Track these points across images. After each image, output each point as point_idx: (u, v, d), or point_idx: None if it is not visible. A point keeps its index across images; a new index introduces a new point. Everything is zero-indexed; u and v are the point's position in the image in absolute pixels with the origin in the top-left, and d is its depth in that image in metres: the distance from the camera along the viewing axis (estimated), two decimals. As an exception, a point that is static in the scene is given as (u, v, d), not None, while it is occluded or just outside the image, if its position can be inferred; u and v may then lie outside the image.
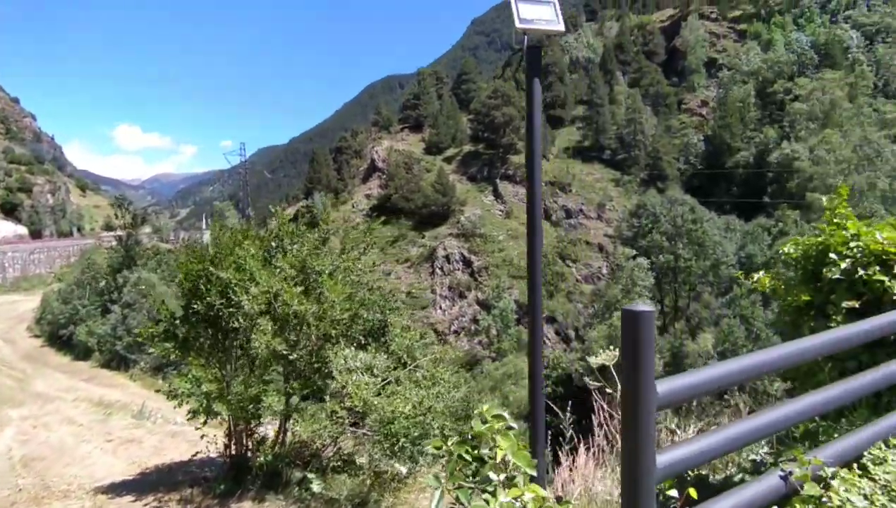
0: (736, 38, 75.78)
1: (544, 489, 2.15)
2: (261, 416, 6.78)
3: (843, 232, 3.83)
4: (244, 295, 6.20)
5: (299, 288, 6.75)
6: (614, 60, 79.95)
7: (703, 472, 3.35)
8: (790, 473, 2.34)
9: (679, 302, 40.48)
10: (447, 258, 58.54)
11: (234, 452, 6.97)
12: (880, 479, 2.49)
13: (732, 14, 79.71)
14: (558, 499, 2.14)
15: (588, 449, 4.39)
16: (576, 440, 4.56)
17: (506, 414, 2.05)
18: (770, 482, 2.30)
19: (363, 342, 8.42)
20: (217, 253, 6.69)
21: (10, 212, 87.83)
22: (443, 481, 1.86)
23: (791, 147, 41.55)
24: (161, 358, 9.92)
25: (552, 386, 36.33)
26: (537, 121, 2.04)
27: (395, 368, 8.44)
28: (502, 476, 1.86)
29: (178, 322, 6.83)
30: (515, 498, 1.81)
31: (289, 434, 7.30)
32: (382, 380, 7.70)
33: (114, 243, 39.43)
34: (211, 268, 6.41)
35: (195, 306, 6.41)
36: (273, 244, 7.47)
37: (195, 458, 7.86)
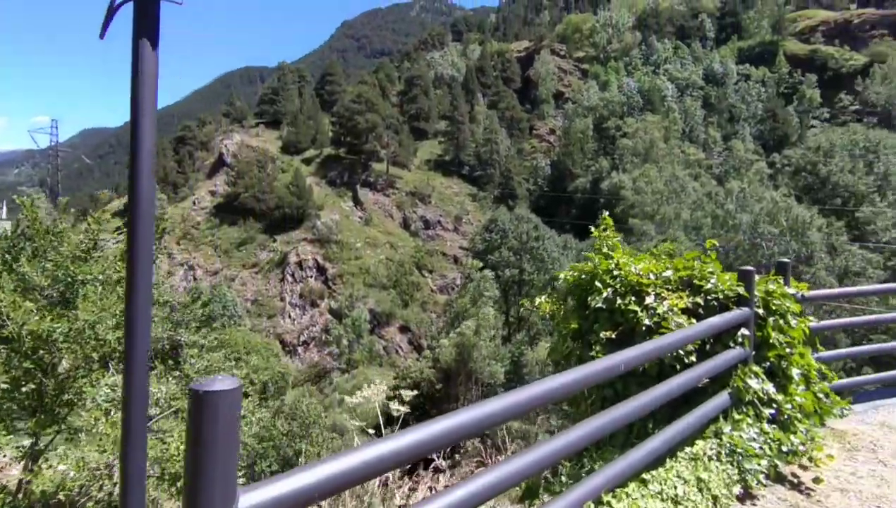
0: (580, 76, 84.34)
1: None
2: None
3: (609, 261, 3.78)
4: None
5: (44, 302, 5.31)
6: (476, 81, 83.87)
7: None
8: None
9: (522, 313, 43.11)
10: (300, 264, 55.71)
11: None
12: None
13: (577, 54, 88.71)
14: None
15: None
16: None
17: None
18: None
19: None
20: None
21: None
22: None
23: (619, 177, 47.05)
24: None
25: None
26: (147, 98, 1.31)
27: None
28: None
29: None
30: None
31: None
32: (159, 413, 6.60)
33: None
34: None
35: None
36: (17, 244, 5.87)
37: None
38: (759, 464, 2.88)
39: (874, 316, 5.45)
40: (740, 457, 2.87)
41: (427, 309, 53.16)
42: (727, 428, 3.00)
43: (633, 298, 3.58)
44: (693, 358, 3.19)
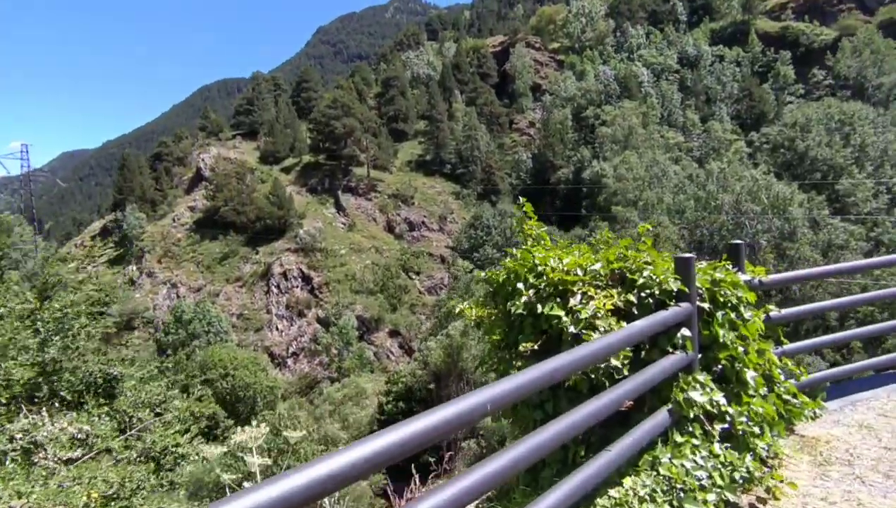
0: (556, 67, 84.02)
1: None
2: None
3: (532, 257, 3.23)
4: None
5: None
6: (453, 79, 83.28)
7: None
8: None
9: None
10: (284, 275, 54.79)
11: None
12: None
13: (552, 45, 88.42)
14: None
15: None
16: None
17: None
18: None
19: (77, 401, 6.69)
20: None
21: None
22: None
23: (600, 165, 46.68)
24: None
25: (393, 402, 35.41)
26: None
27: (120, 432, 6.75)
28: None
29: None
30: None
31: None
32: (83, 455, 6.02)
33: None
34: None
35: None
36: None
37: None
38: (704, 502, 2.31)
39: (847, 297, 4.95)
40: (681, 495, 2.30)
41: (416, 311, 52.53)
42: (665, 456, 2.44)
43: (559, 300, 3.02)
44: (626, 371, 2.64)
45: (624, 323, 2.73)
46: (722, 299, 2.98)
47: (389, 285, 53.32)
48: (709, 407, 2.66)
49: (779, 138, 43.94)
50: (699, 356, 2.87)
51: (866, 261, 4.73)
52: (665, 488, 2.29)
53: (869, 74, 58.10)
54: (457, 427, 1.89)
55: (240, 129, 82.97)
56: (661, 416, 2.55)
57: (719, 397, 2.73)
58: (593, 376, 2.69)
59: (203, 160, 71.32)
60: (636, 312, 2.82)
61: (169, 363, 43.62)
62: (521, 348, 2.95)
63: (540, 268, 3.24)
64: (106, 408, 6.85)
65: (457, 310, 3.95)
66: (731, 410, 2.74)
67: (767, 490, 2.66)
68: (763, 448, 2.76)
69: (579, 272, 3.10)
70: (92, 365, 6.80)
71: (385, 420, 34.60)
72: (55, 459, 6.16)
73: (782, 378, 3.29)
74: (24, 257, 56.96)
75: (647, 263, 2.98)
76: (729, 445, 2.67)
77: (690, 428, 2.61)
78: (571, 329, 2.80)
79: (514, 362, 3.01)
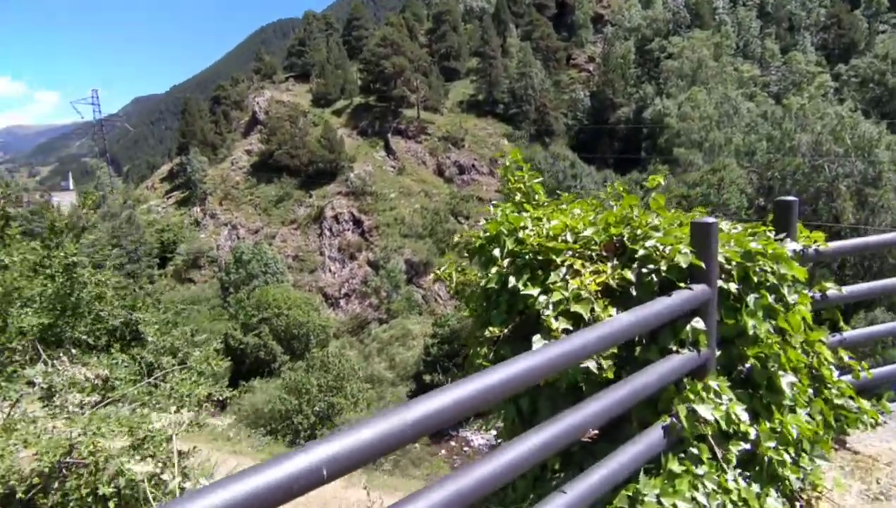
0: (621, -6, 77.27)
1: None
2: None
3: (518, 216, 2.57)
4: None
5: None
6: (507, 11, 78.60)
7: None
8: None
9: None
10: (336, 218, 55.65)
11: None
12: None
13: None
14: None
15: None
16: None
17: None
18: None
19: (104, 345, 6.82)
20: None
21: None
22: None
23: (663, 103, 43.16)
24: None
25: (438, 345, 35.95)
26: None
27: (146, 375, 6.89)
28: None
29: None
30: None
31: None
32: (100, 400, 6.16)
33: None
34: None
35: None
36: None
37: None
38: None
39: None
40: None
41: (464, 255, 52.29)
42: (651, 493, 1.81)
43: (541, 272, 2.39)
44: (610, 374, 2.01)
45: (613, 311, 2.07)
46: (757, 277, 2.24)
47: (438, 229, 53.10)
48: (724, 425, 2.00)
49: (868, 71, 38.85)
50: (714, 355, 2.17)
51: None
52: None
53: None
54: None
55: (292, 71, 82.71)
56: (652, 436, 1.92)
57: (740, 410, 2.05)
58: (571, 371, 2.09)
59: (258, 103, 72.03)
60: (635, 293, 2.15)
61: (231, 300, 46.14)
62: (486, 332, 2.37)
63: (523, 233, 2.59)
64: (128, 353, 6.89)
65: (442, 273, 3.40)
66: (754, 430, 2.06)
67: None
68: (796, 481, 2.09)
69: (569, 238, 2.43)
70: (114, 310, 6.76)
71: (430, 361, 35.34)
72: (72, 405, 6.27)
73: (835, 376, 2.55)
74: (103, 198, 60.87)
75: (653, 228, 2.27)
76: (748, 475, 2.01)
77: (694, 451, 1.97)
78: (548, 312, 2.18)
79: (479, 349, 2.44)
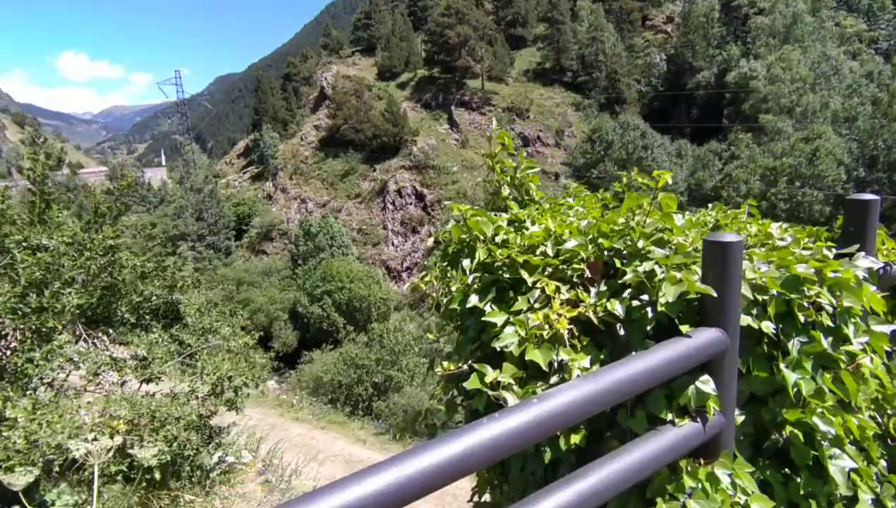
0: (706, -54, 70.57)
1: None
2: None
3: (498, 215, 2.07)
4: None
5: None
6: (578, -29, 74.21)
7: None
8: None
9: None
10: (399, 192, 55.97)
11: None
12: None
13: (704, -83, 73.80)
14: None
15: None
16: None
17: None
18: None
19: (146, 323, 7.05)
20: None
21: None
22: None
23: (749, 65, 39.16)
24: None
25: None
26: None
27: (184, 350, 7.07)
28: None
29: None
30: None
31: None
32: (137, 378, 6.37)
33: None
34: None
35: None
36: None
37: None
38: None
39: None
40: None
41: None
42: None
43: (512, 293, 1.86)
44: (573, 459, 1.46)
45: (587, 360, 1.50)
46: (804, 314, 1.58)
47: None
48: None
49: None
50: (727, 422, 1.53)
51: None
52: None
53: None
54: None
55: (359, 45, 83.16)
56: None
57: None
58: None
59: (325, 79, 73.25)
60: (622, 333, 1.57)
61: (299, 271, 47.92)
62: (437, 370, 1.87)
63: (503, 237, 2.06)
64: (168, 332, 7.02)
65: (417, 281, 2.92)
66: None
67: None
68: None
69: (549, 250, 1.86)
70: (156, 289, 6.89)
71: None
72: (108, 384, 6.42)
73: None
74: (188, 174, 64.90)
75: (660, 242, 1.65)
76: None
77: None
78: (511, 349, 1.65)
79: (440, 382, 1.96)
